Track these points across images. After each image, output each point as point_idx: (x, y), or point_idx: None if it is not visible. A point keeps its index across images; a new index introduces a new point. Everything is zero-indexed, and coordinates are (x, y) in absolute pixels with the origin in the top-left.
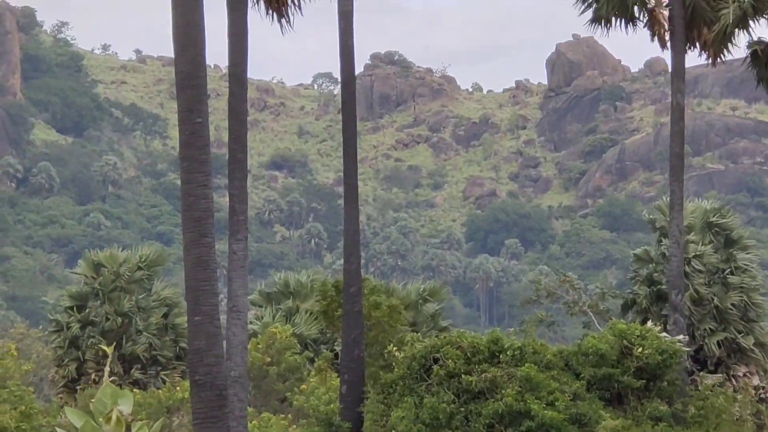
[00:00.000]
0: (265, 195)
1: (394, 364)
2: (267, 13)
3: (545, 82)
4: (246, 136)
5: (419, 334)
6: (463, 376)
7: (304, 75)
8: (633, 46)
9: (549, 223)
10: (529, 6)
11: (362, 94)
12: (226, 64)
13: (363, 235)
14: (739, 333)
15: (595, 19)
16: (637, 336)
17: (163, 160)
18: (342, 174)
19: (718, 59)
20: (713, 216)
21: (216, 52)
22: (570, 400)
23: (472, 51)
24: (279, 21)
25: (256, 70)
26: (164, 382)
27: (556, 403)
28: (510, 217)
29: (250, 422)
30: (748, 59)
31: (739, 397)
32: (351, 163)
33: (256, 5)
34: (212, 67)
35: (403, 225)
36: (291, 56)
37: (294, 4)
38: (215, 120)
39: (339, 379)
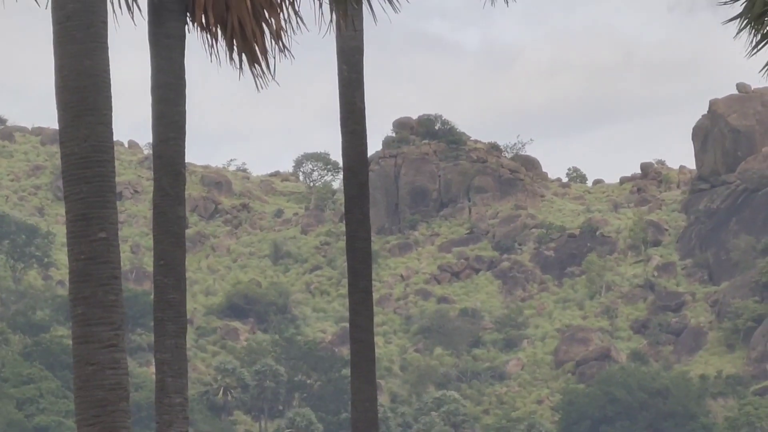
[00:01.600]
0: (219, 361)
1: None
2: (226, 55)
3: (691, 165)
4: (184, 261)
5: None
6: None
7: (282, 158)
8: None
9: (702, 405)
10: (656, 38)
11: (381, 189)
12: (149, 140)
13: (385, 428)
14: None
15: None
16: None
17: (44, 303)
18: (348, 325)
19: None
20: None
21: (134, 122)
22: None
23: (566, 114)
24: (251, 67)
25: (201, 151)
26: None
27: None
28: (635, 396)
29: None
30: None
31: None
32: (362, 307)
33: (209, 42)
34: (125, 145)
35: (453, 410)
36: (260, 127)
37: (277, 41)
38: (131, 235)
39: None
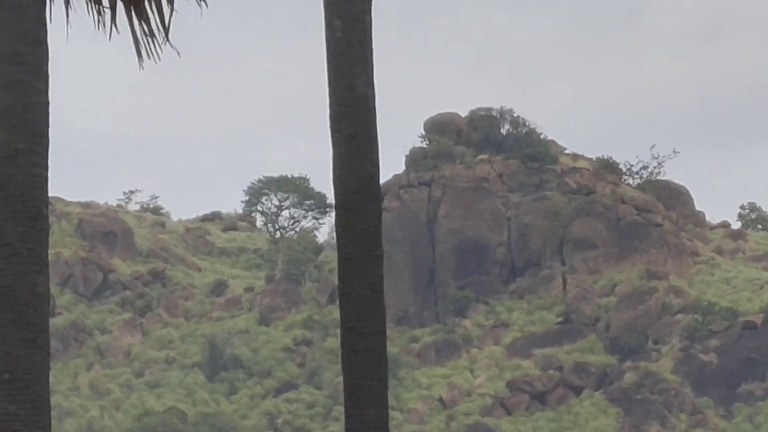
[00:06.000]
0: None
1: None
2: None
3: None
4: (47, 375)
5: None
6: None
7: (224, 188)
8: None
9: None
10: None
11: (405, 243)
12: None
13: None
14: None
15: None
16: None
17: None
18: None
19: None
20: None
21: None
22: None
23: (733, 108)
24: (140, 22)
25: (77, 177)
26: None
27: None
28: None
29: None
30: None
31: None
32: None
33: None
34: None
35: None
36: (184, 136)
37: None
38: None
39: None
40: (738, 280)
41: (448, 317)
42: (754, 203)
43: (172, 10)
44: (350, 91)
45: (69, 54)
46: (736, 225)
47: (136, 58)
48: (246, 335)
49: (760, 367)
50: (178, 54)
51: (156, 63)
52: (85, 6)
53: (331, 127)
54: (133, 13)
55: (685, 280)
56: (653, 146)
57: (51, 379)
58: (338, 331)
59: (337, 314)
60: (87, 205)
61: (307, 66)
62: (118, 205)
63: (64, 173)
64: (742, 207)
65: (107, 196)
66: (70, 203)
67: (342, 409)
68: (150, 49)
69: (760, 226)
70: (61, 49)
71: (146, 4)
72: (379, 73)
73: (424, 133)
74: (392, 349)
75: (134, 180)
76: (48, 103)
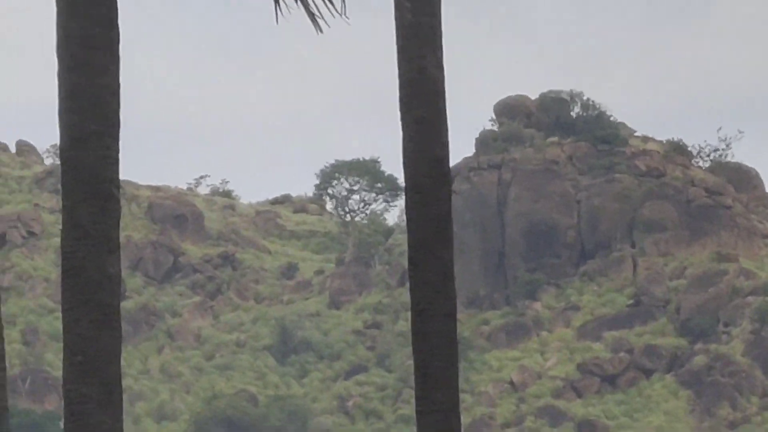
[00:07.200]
0: None
1: None
2: None
3: None
4: (119, 359)
5: None
6: None
7: (294, 172)
8: None
9: None
10: None
11: (475, 226)
12: (54, 141)
13: None
14: None
15: None
16: None
17: None
18: None
19: None
20: None
21: (29, 110)
22: None
23: None
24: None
25: (148, 161)
26: None
27: None
28: None
29: None
30: None
31: None
32: None
33: None
34: (11, 150)
35: None
36: (253, 120)
37: None
38: (23, 311)
39: None
40: None
41: (518, 300)
42: None
43: None
44: (420, 74)
45: (143, 37)
46: None
47: (313, 28)
48: (316, 318)
49: None
50: (348, 23)
51: (324, 31)
52: None
53: (401, 109)
54: None
55: (756, 262)
56: (720, 129)
57: (122, 361)
58: (408, 314)
59: (407, 297)
60: (157, 189)
61: (379, 48)
62: (189, 189)
63: (136, 157)
64: None
65: (178, 180)
66: (141, 186)
67: (412, 391)
68: (322, 19)
69: None
70: (133, 32)
71: None
72: (449, 55)
73: (494, 115)
74: (463, 331)
75: (204, 164)
76: (119, 86)
